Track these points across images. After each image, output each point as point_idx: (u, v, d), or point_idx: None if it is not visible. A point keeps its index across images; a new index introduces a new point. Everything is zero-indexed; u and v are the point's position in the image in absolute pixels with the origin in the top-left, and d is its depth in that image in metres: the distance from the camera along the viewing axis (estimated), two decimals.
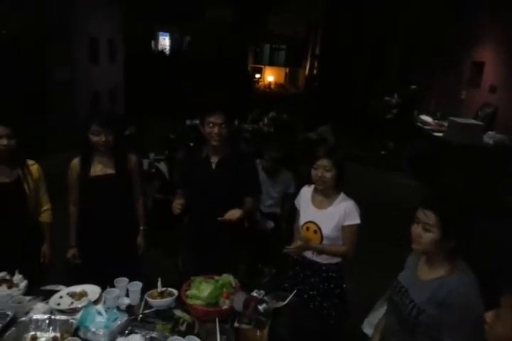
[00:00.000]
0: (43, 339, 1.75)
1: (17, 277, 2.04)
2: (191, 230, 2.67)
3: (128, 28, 11.45)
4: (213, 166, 2.51)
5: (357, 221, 2.23)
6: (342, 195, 2.29)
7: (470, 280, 1.53)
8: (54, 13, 7.67)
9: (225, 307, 1.94)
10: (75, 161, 2.52)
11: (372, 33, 11.73)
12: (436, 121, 7.34)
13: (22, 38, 7.04)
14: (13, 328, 1.76)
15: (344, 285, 2.32)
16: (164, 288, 2.05)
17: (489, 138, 5.73)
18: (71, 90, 8.43)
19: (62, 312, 1.89)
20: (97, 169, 2.48)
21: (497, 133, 5.79)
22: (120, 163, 2.51)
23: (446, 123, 6.67)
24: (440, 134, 6.59)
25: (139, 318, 1.91)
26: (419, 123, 7.64)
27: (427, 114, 7.86)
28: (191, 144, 5.64)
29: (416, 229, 1.60)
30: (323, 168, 2.21)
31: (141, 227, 2.64)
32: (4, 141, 2.24)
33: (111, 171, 2.49)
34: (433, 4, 8.72)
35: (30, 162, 2.46)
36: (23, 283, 2.01)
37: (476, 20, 7.15)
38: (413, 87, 8.65)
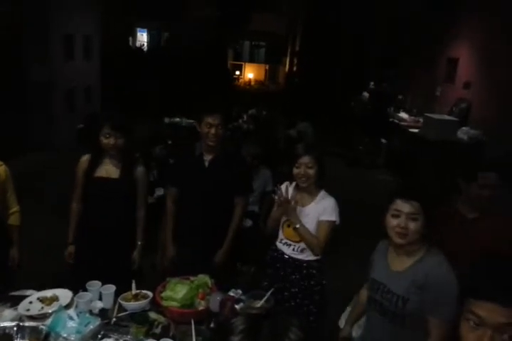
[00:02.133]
0: None
1: None
2: (178, 226, 2.64)
3: (105, 24, 11.22)
4: (206, 164, 2.54)
5: (333, 218, 2.23)
6: (323, 192, 2.30)
7: (445, 260, 1.60)
8: (30, 9, 7.44)
9: (200, 308, 1.92)
10: (85, 158, 2.50)
11: (351, 30, 11.80)
12: (413, 118, 7.46)
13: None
14: None
15: (324, 282, 2.33)
16: (138, 291, 2.01)
17: (463, 133, 5.85)
18: (46, 88, 8.21)
19: (31, 318, 1.83)
20: (103, 171, 2.45)
21: (471, 128, 5.91)
22: (125, 169, 2.46)
23: (421, 120, 6.77)
24: (416, 130, 6.69)
25: (112, 322, 1.87)
26: (395, 120, 7.74)
27: (404, 111, 7.97)
28: (169, 142, 5.59)
29: (399, 222, 1.60)
30: (305, 166, 2.22)
31: (139, 242, 2.55)
32: None
33: (115, 176, 2.44)
34: (410, 2, 8.82)
35: None
36: None
37: (452, 17, 7.26)
38: (384, 84, 8.81)
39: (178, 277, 2.09)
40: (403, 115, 7.70)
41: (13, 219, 2.48)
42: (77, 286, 2.04)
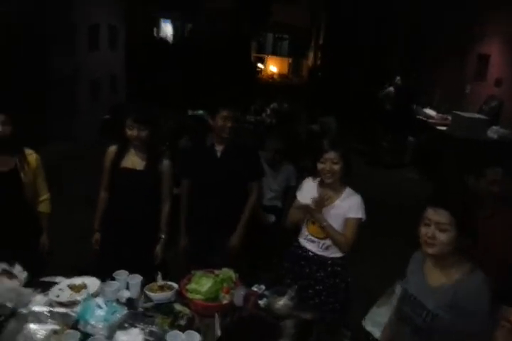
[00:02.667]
0: (43, 331, 1.74)
1: (17, 268, 2.03)
2: (193, 219, 2.69)
3: (129, 14, 11.28)
4: (218, 154, 2.60)
5: (359, 215, 2.22)
6: (348, 189, 2.28)
7: (487, 286, 1.48)
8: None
9: (224, 301, 1.93)
10: (112, 148, 2.55)
11: (377, 24, 11.57)
12: (441, 115, 7.28)
13: (22, 25, 6.94)
14: (13, 320, 1.75)
15: (349, 279, 2.33)
16: (164, 282, 2.04)
17: (493, 132, 5.68)
18: (71, 78, 8.33)
19: (61, 304, 1.88)
20: (129, 161, 2.49)
21: (501, 127, 5.73)
22: (151, 161, 2.49)
23: (450, 117, 6.61)
24: (444, 128, 6.54)
25: (138, 312, 1.90)
26: (422, 117, 7.57)
27: (431, 108, 7.79)
28: (193, 134, 5.60)
29: (427, 231, 1.53)
30: (330, 161, 2.20)
31: (162, 236, 2.56)
32: None
33: (140, 167, 2.48)
34: None
35: (28, 151, 2.44)
36: (23, 275, 2.00)
37: (482, 12, 7.03)
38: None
39: (202, 270, 2.12)
40: (430, 112, 7.53)
41: (44, 207, 2.54)
42: (103, 275, 2.09)
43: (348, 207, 2.23)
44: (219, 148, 2.60)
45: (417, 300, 1.62)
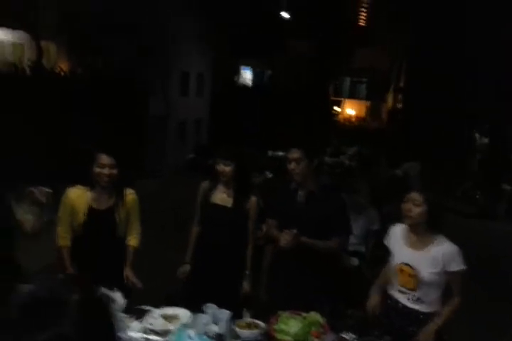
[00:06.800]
0: None
1: (117, 294, 2.15)
2: (276, 262, 2.65)
3: (215, 63, 12.30)
4: (300, 199, 2.51)
5: (462, 266, 2.09)
6: (442, 237, 2.15)
7: None
8: (152, 51, 8.52)
9: None
10: (205, 184, 2.72)
11: (462, 66, 11.20)
12: None
13: (122, 72, 7.88)
14: None
15: (445, 337, 2.16)
16: (251, 320, 2.05)
17: None
18: (163, 120, 9.13)
19: (155, 332, 1.96)
20: (218, 197, 2.64)
21: None
22: (238, 198, 2.60)
23: None
24: None
25: None
26: None
27: None
28: (270, 174, 5.72)
29: None
30: (412, 202, 2.12)
31: (247, 272, 2.63)
32: (107, 171, 2.32)
33: (229, 204, 2.60)
34: None
35: (129, 191, 2.51)
36: (122, 301, 2.12)
37: None
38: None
39: (288, 311, 2.09)
40: None
41: (132, 241, 2.60)
42: (190, 306, 2.14)
43: (446, 257, 2.08)
44: (302, 193, 2.49)
45: None
